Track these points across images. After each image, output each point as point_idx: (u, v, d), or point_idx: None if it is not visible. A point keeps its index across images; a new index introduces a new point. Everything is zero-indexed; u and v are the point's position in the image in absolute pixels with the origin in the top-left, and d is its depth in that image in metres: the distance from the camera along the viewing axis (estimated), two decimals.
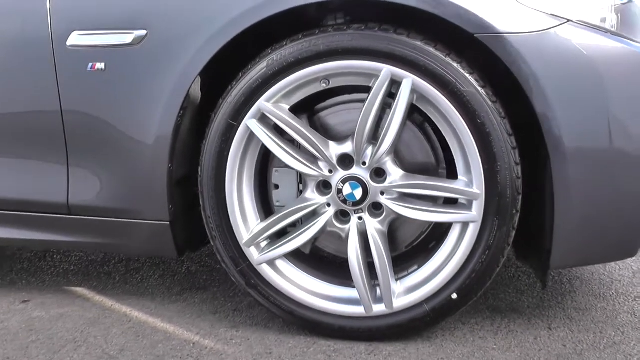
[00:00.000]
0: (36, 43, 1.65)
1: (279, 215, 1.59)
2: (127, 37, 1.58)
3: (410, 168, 1.58)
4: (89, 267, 2.31)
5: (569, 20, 1.41)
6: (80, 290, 2.06)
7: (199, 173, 1.60)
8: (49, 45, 1.64)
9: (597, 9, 1.47)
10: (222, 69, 1.61)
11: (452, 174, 1.56)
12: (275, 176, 1.71)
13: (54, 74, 1.65)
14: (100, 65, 1.61)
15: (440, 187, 1.50)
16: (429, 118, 1.59)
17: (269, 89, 1.51)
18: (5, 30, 1.69)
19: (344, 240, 1.61)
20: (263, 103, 1.51)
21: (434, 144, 1.65)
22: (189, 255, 2.42)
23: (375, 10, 1.55)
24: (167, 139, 1.59)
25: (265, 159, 1.70)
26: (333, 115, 1.65)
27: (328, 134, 1.61)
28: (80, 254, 2.49)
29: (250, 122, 1.53)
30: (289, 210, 1.58)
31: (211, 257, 2.39)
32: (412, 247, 1.72)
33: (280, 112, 1.52)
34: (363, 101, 1.61)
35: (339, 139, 1.57)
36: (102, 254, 2.47)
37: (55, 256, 2.47)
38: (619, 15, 1.49)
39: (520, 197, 1.47)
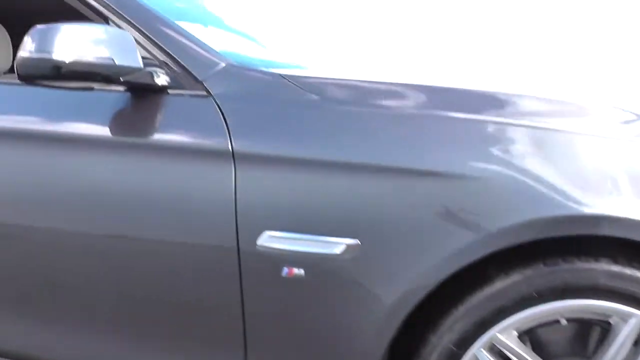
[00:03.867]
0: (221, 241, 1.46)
1: None
2: (336, 247, 1.41)
3: None
4: None
5: None
6: None
7: None
8: (234, 244, 1.45)
9: None
10: None
11: None
12: None
13: (238, 275, 1.46)
14: (299, 272, 1.43)
15: None
16: None
17: (503, 319, 1.40)
18: None
19: None
20: (496, 335, 1.40)
21: None
22: None
23: None
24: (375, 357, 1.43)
25: None
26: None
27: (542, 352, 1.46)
28: None
29: (479, 352, 1.41)
30: None
31: None
32: None
33: (512, 344, 1.40)
34: None
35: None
36: None
37: None
38: None
39: None
